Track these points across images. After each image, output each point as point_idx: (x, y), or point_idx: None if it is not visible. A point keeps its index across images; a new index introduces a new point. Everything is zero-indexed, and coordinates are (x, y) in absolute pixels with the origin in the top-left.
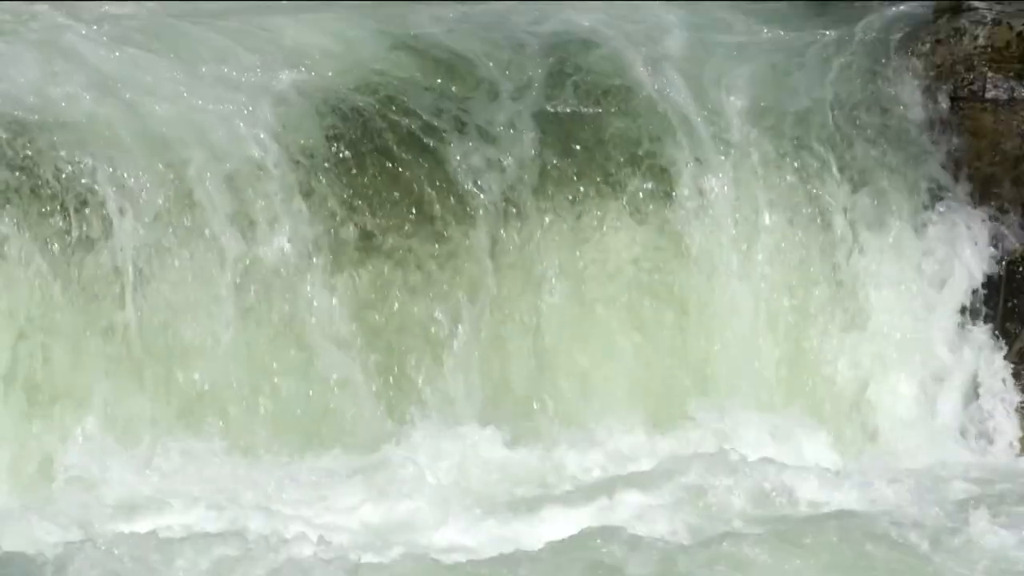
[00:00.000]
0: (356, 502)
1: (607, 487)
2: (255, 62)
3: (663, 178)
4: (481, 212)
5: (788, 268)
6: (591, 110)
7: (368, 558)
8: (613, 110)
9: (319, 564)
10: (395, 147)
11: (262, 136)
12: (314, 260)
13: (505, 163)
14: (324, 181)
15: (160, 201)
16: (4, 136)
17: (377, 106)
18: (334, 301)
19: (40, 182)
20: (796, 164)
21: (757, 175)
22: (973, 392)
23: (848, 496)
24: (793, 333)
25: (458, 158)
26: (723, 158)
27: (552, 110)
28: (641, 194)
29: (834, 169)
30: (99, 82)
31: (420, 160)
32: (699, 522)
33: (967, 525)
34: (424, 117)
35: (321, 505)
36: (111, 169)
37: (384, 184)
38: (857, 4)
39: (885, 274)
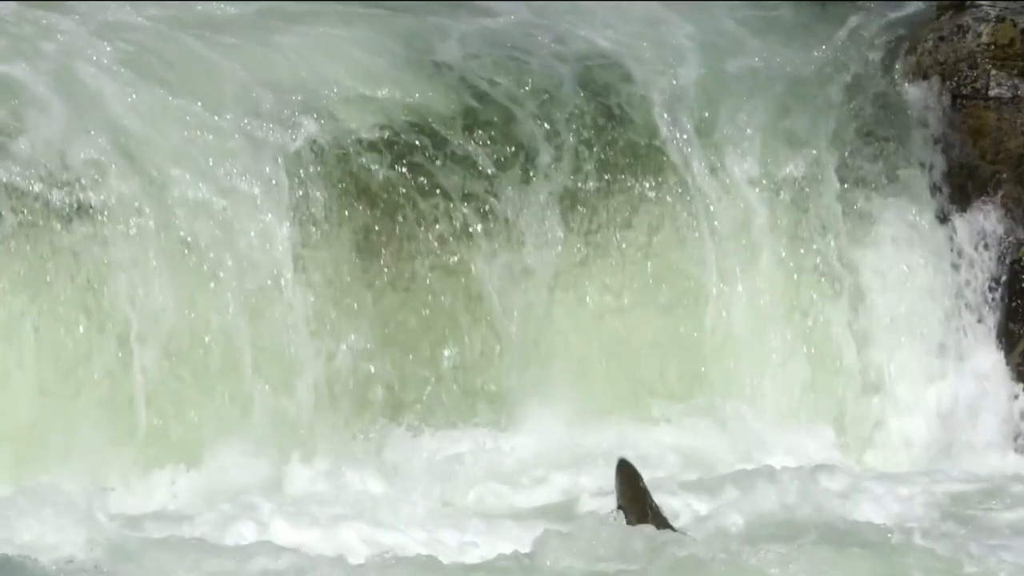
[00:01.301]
0: None
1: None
2: (275, 110)
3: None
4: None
5: (788, 270)
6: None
7: None
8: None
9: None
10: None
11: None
12: None
13: (530, 264)
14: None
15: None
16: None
17: (402, 192)
18: None
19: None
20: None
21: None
22: (976, 393)
23: (868, 505)
24: (794, 334)
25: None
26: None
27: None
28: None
29: (835, 169)
30: (122, 145)
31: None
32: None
33: (989, 535)
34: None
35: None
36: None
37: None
38: (859, 3)
39: (886, 273)
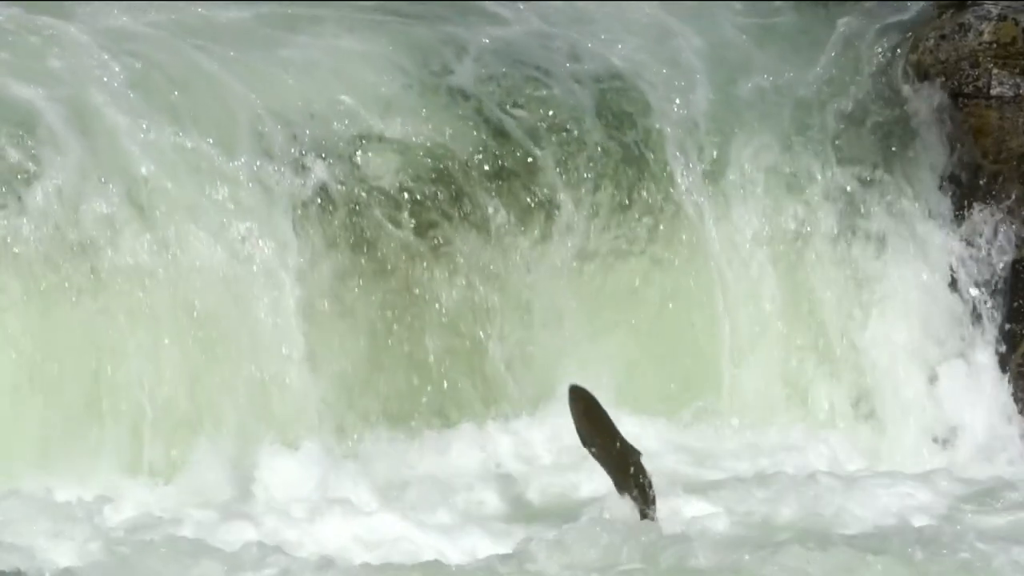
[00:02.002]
0: None
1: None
2: (285, 150)
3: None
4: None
5: (792, 269)
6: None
7: None
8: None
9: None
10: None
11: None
12: None
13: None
14: None
15: None
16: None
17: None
18: None
19: None
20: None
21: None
22: (977, 393)
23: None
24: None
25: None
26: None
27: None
28: None
29: (836, 167)
30: (135, 198)
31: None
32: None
33: (993, 536)
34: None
35: None
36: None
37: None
38: (860, 3)
39: (886, 272)
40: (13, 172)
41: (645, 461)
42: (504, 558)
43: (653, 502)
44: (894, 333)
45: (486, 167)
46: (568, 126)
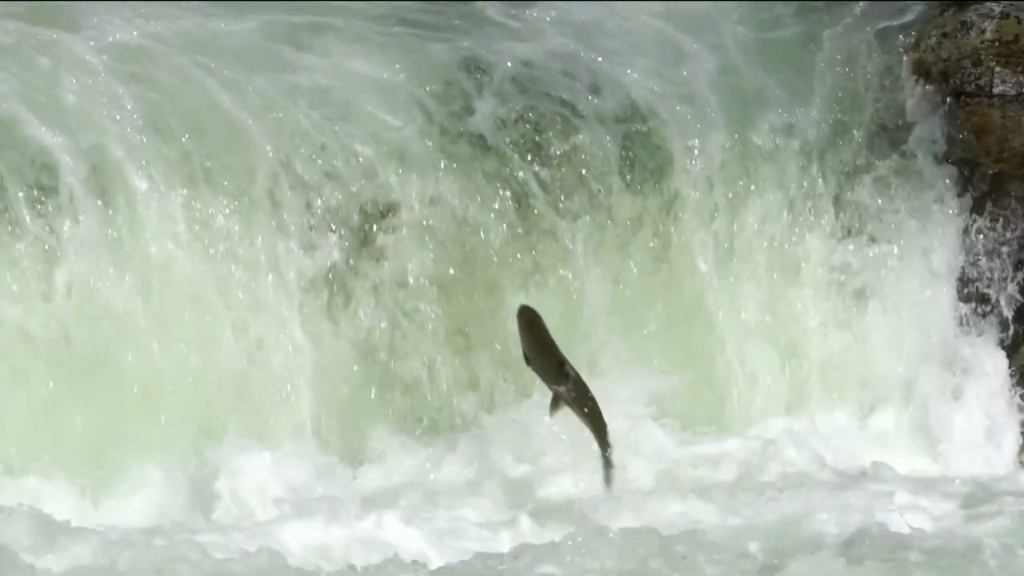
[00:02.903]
0: None
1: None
2: (300, 226)
3: None
4: None
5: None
6: None
7: None
8: None
9: None
10: None
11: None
12: None
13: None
14: None
15: None
16: None
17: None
18: None
19: None
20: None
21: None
22: (979, 393)
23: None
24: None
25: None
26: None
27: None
28: None
29: (838, 166)
30: (146, 280)
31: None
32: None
33: (1000, 536)
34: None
35: None
36: None
37: None
38: (861, 2)
39: (889, 273)
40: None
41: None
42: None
43: (606, 436)
44: (896, 334)
45: (515, 254)
46: (595, 188)
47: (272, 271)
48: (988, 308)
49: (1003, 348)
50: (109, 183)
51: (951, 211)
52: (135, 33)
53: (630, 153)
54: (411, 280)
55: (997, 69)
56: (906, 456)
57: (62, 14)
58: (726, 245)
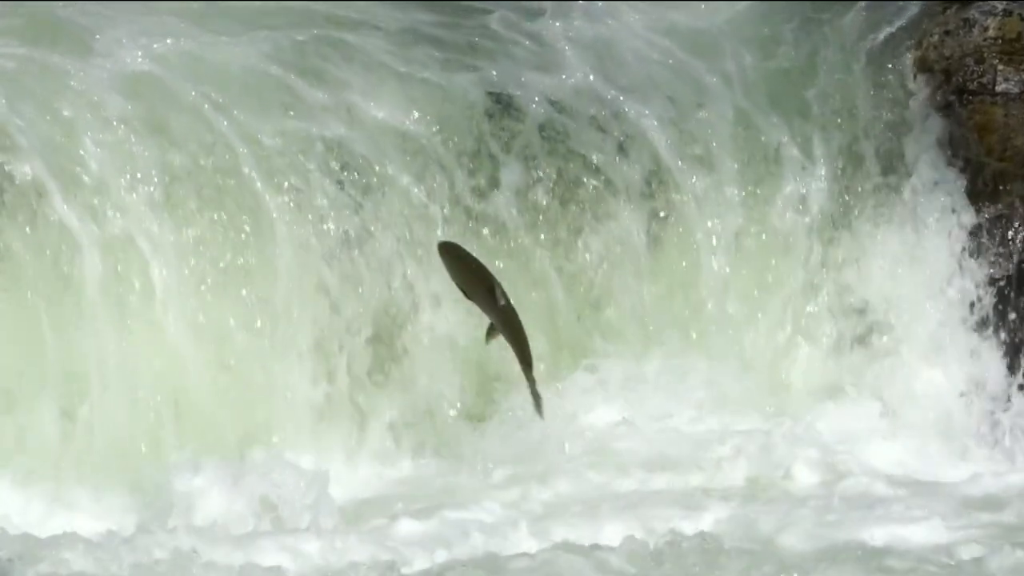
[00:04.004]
0: None
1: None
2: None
3: None
4: None
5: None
6: None
7: None
8: None
9: None
10: None
11: None
12: None
13: None
14: None
15: None
16: None
17: None
18: None
19: None
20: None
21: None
22: (981, 392)
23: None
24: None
25: None
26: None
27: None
28: None
29: (839, 166)
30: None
31: None
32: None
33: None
34: None
35: None
36: None
37: None
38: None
39: (890, 273)
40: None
41: None
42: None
43: (530, 363)
44: (897, 334)
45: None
46: (618, 298)
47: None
48: (991, 308)
49: (1005, 350)
50: (132, 270)
51: (953, 210)
52: (141, 59)
53: (655, 242)
54: None
55: (1000, 67)
56: (904, 460)
57: (64, 30)
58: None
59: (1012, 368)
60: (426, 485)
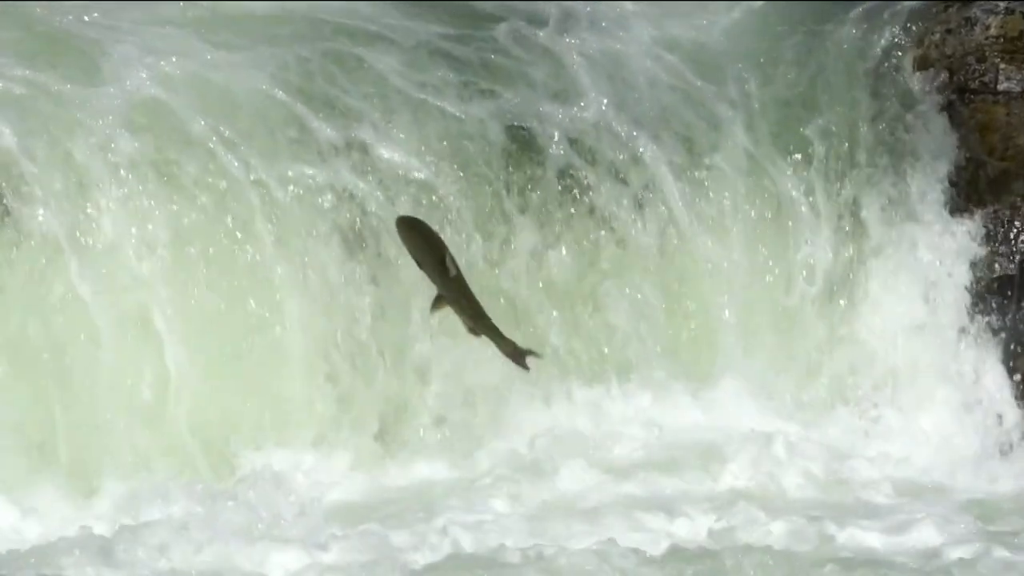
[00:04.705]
0: None
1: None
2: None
3: None
4: None
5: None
6: None
7: None
8: None
9: None
10: None
11: None
12: None
13: None
14: None
15: None
16: None
17: None
18: None
19: None
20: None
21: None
22: (983, 396)
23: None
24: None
25: None
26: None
27: None
28: None
29: (839, 165)
30: None
31: None
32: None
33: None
34: None
35: None
36: None
37: None
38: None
39: (892, 271)
40: None
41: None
42: None
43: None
44: (898, 333)
45: None
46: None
47: None
48: (992, 308)
49: (1006, 351)
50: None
51: (955, 209)
52: (151, 88)
53: (669, 326)
54: None
55: (1002, 66)
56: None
57: (65, 47)
58: None
59: (1010, 372)
60: (424, 485)
